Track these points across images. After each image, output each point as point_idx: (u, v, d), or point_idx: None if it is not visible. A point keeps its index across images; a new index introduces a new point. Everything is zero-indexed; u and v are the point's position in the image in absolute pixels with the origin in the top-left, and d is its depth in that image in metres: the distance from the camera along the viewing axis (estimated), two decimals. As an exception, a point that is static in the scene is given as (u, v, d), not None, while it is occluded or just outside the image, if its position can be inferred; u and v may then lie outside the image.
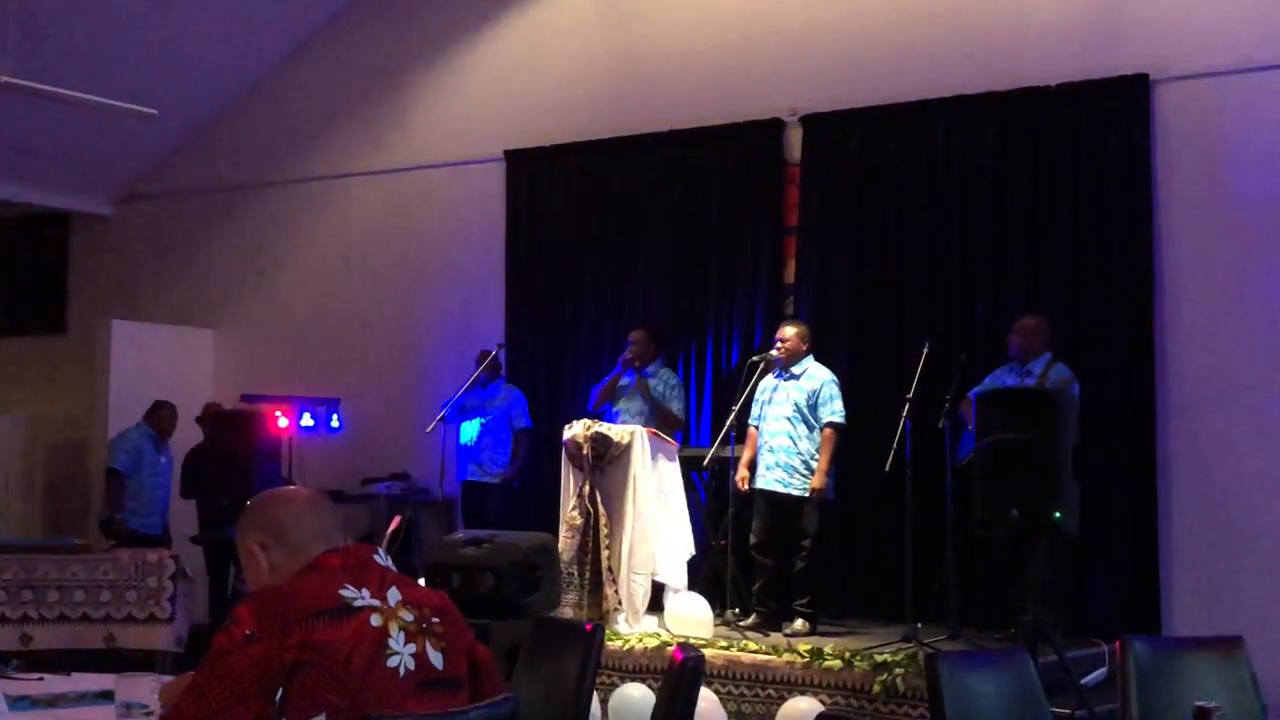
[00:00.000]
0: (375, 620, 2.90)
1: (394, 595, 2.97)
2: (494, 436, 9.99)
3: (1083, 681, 6.79)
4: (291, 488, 3.27)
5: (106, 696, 4.10)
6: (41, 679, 4.53)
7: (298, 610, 2.82)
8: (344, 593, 2.90)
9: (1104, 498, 8.08)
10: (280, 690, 2.78)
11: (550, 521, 8.55)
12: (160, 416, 10.65)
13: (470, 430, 10.02)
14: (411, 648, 2.93)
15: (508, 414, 10.02)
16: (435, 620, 3.02)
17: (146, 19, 10.98)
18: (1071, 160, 8.61)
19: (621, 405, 9.25)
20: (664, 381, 9.37)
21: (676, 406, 9.30)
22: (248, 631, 2.79)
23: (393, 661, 2.89)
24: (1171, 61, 8.36)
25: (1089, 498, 7.59)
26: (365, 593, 2.93)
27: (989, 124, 8.90)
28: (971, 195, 8.91)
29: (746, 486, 8.25)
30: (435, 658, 2.98)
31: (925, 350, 8.00)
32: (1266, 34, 8.14)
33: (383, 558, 3.06)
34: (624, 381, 9.35)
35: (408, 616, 2.96)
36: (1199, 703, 3.37)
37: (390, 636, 2.90)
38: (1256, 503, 7.97)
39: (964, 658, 5.05)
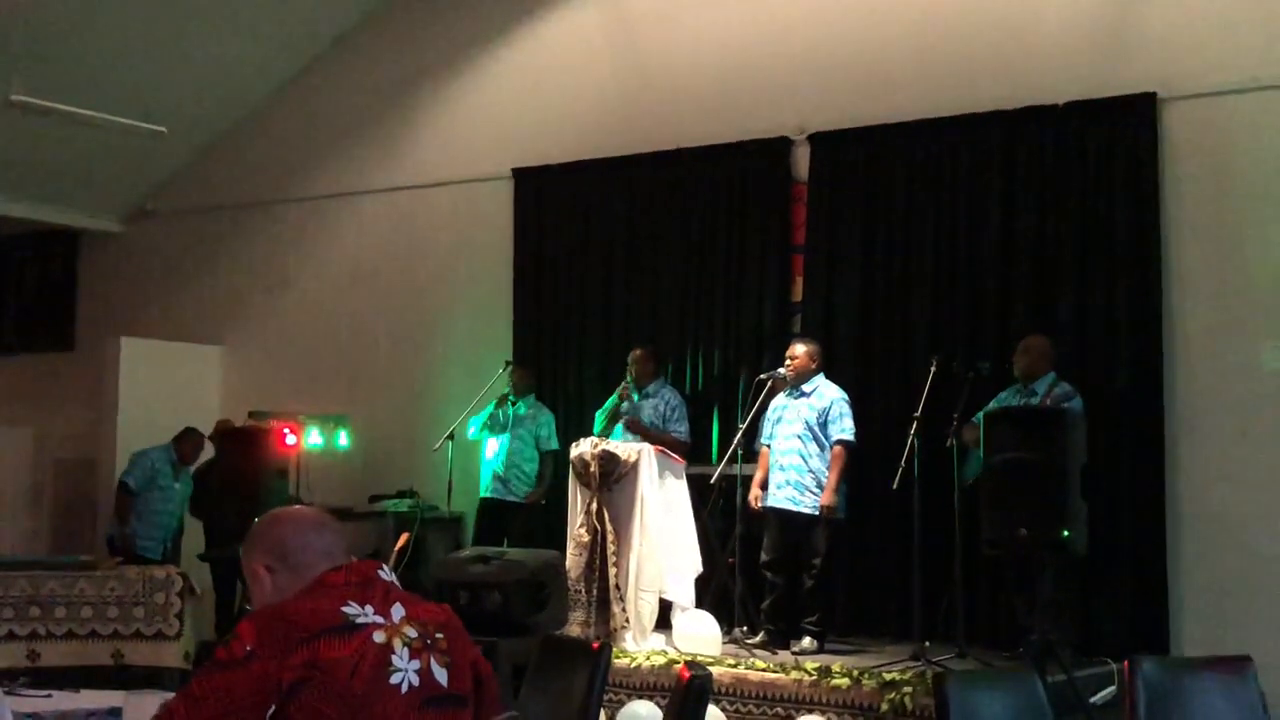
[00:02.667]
0: (379, 637, 2.89)
1: (398, 611, 2.96)
2: (521, 456, 9.89)
3: (1092, 700, 6.77)
4: (297, 507, 3.27)
5: (114, 714, 4.11)
6: (49, 695, 4.55)
7: (301, 629, 2.82)
8: (347, 610, 2.89)
9: (1112, 517, 8.06)
10: (273, 708, 2.77)
11: (558, 539, 8.55)
12: (187, 443, 10.66)
13: (497, 448, 9.92)
14: (415, 664, 2.92)
15: (536, 434, 9.96)
16: (439, 636, 3.01)
17: (156, 37, 11.01)
18: (1079, 178, 8.61)
19: (624, 427, 9.22)
20: (665, 402, 9.35)
21: (680, 429, 9.27)
22: (249, 648, 2.79)
23: (396, 678, 2.88)
24: (1179, 80, 8.37)
25: (1097, 517, 7.58)
26: (369, 609, 2.92)
27: (996, 142, 8.91)
28: (978, 213, 8.92)
29: (760, 505, 8.24)
30: (440, 674, 2.96)
31: (933, 368, 8.00)
32: (1274, 53, 8.15)
33: (387, 573, 3.05)
34: (626, 404, 9.33)
35: (412, 632, 2.95)
36: (1207, 723, 3.36)
37: (394, 653, 2.89)
38: (1265, 521, 7.95)
39: (972, 677, 5.06)
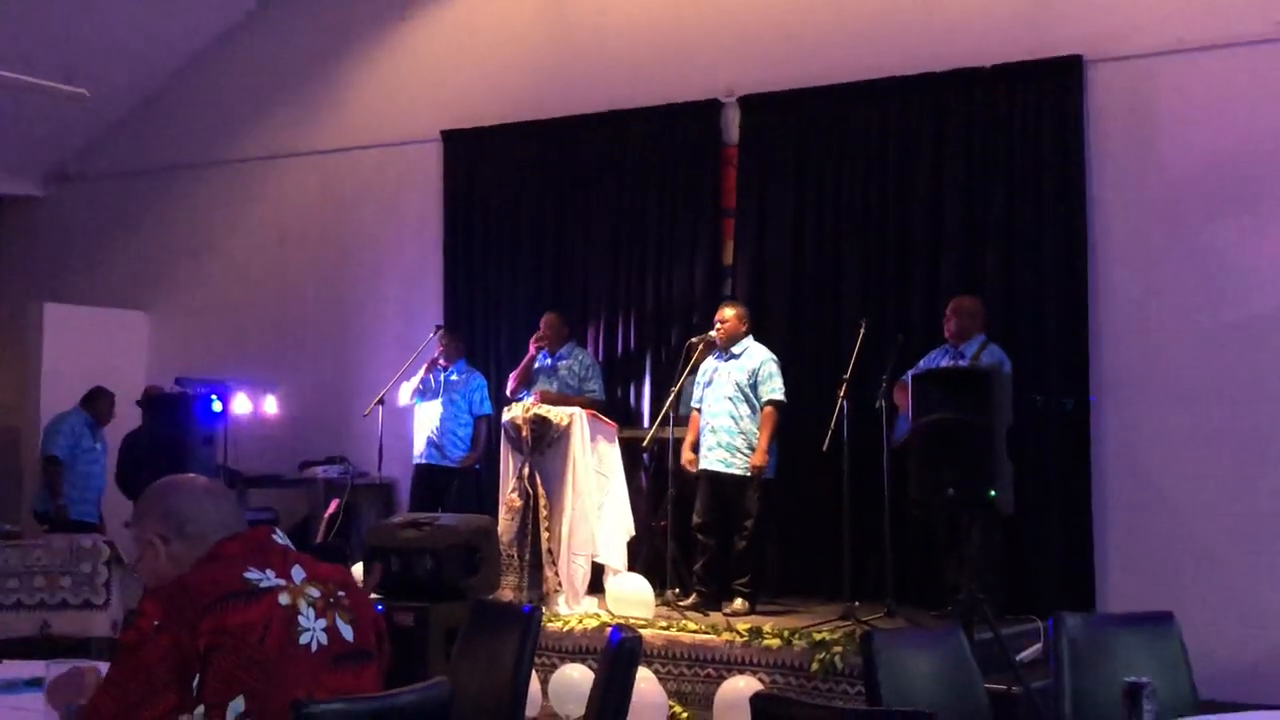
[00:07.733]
0: (284, 599, 2.94)
1: (299, 573, 3.01)
2: (455, 420, 9.80)
3: (1018, 658, 6.85)
4: (189, 475, 3.24)
5: (37, 684, 4.05)
6: (-29, 668, 4.47)
7: (204, 597, 2.84)
8: (249, 575, 2.93)
9: (1039, 476, 8.15)
10: (197, 677, 2.78)
11: (491, 504, 8.53)
12: (99, 403, 10.52)
13: (429, 413, 9.82)
14: (322, 622, 2.97)
15: (468, 398, 9.89)
16: (341, 594, 3.07)
17: (77, -2, 10.84)
18: (1006, 141, 8.65)
19: (540, 386, 9.15)
20: (579, 362, 9.30)
21: (594, 388, 9.20)
22: (156, 623, 2.80)
23: (305, 638, 2.93)
24: (1105, 43, 8.43)
25: (1024, 477, 7.64)
26: (270, 573, 2.96)
27: (924, 105, 8.94)
28: (907, 176, 8.95)
29: (694, 468, 8.25)
30: (346, 630, 3.02)
31: (862, 330, 8.05)
32: (1199, 15, 8.21)
33: (281, 537, 3.10)
34: (538, 364, 9.30)
35: (315, 592, 3.00)
36: (1130, 678, 3.40)
37: (300, 613, 2.94)
38: (1188, 480, 8.06)
39: (898, 635, 5.09)
